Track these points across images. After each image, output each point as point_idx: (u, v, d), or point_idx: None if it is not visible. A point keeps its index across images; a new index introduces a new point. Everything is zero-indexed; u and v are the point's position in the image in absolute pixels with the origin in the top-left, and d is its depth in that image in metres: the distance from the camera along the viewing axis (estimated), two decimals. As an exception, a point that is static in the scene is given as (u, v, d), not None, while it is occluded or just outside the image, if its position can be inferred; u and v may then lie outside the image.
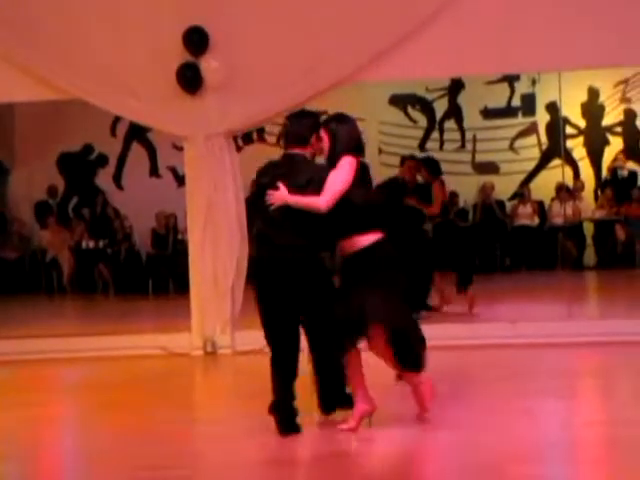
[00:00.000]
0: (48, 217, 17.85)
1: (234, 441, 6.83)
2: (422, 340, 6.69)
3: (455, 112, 18.09)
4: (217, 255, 10.58)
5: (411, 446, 6.54)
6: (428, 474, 6.00)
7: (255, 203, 6.97)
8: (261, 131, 17.61)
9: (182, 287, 12.55)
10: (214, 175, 10.57)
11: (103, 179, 18.36)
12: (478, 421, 6.92)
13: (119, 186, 18.38)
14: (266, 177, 6.81)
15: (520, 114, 17.97)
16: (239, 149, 13.36)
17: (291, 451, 6.53)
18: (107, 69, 10.50)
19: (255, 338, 10.33)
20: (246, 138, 17.30)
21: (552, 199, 17.48)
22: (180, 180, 14.83)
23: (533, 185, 17.77)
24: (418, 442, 6.53)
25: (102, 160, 18.38)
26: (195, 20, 10.35)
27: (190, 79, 10.42)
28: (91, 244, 17.28)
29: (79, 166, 18.32)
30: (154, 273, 16.70)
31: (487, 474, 5.72)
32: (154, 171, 18.24)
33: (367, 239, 6.64)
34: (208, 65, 10.41)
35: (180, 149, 11.50)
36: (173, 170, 17.43)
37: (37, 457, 6.97)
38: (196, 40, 10.39)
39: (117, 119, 16.98)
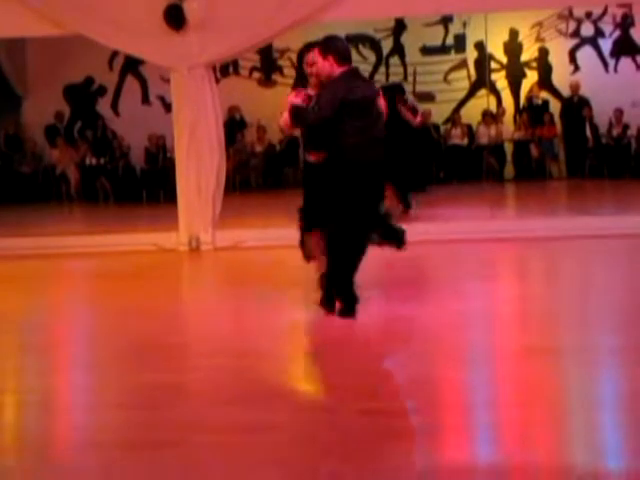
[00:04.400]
0: (57, 138, 17.58)
1: (216, 316, 6.88)
2: None
3: (398, 50, 17.90)
4: (200, 168, 10.48)
5: (368, 317, 6.55)
6: (381, 339, 6.06)
7: (362, 110, 6.19)
8: (236, 65, 17.39)
9: (171, 196, 12.43)
10: (196, 101, 10.42)
11: (103, 106, 18.06)
12: (420, 298, 7.00)
13: (116, 112, 18.10)
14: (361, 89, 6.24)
15: (453, 51, 17.80)
16: (217, 81, 13.13)
17: (261, 321, 6.54)
18: (104, 8, 10.27)
19: (232, 236, 10.51)
20: (223, 71, 17.07)
21: (479, 123, 17.44)
22: (168, 107, 14.59)
23: (463, 111, 17.67)
24: (373, 314, 6.53)
25: (101, 90, 18.06)
26: (179, -33, 10.14)
27: (175, 18, 10.21)
28: (94, 161, 17.10)
29: (82, 95, 17.99)
30: (147, 185, 16.60)
31: (429, 339, 5.84)
32: (146, 99, 17.96)
33: None
34: (190, 6, 10.20)
35: (167, 81, 11.32)
36: (162, 98, 17.12)
37: (54, 329, 6.98)
38: (180, -16, 10.19)
39: (114, 55, 16.70)
